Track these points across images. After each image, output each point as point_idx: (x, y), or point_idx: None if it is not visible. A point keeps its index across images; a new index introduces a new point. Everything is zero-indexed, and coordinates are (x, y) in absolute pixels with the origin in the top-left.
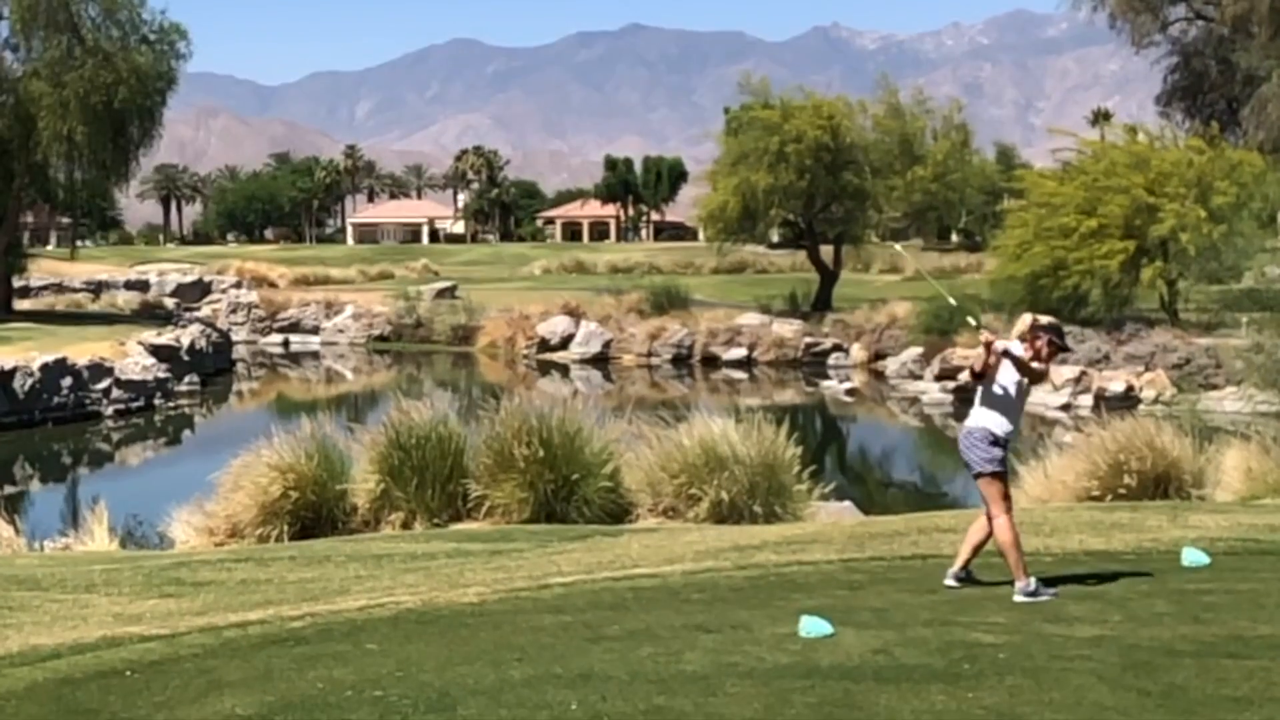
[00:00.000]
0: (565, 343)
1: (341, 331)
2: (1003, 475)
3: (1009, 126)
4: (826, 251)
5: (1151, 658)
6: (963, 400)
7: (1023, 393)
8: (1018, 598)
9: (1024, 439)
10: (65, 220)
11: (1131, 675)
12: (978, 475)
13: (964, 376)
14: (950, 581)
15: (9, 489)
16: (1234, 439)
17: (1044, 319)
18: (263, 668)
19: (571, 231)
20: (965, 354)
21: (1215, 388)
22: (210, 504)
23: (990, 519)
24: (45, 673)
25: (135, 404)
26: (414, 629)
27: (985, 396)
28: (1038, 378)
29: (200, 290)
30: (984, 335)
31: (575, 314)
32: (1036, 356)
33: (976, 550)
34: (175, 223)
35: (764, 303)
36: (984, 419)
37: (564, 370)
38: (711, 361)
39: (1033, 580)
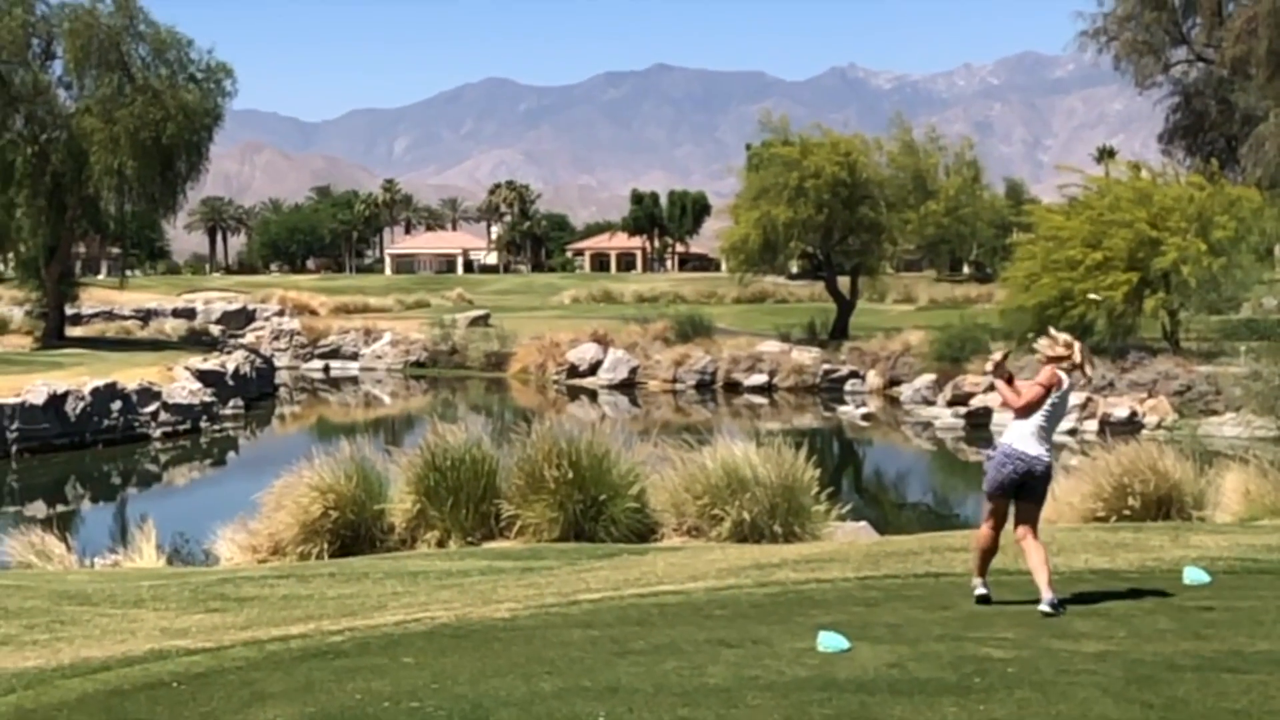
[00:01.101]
0: (594, 369)
1: (380, 358)
2: (991, 488)
3: (1018, 163)
4: (844, 282)
5: (1154, 672)
6: (975, 425)
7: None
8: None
9: None
10: (115, 250)
11: (1135, 689)
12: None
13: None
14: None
15: (61, 508)
16: (1233, 463)
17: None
18: (304, 680)
19: (600, 262)
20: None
21: (1215, 413)
22: (253, 522)
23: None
24: (95, 684)
25: (182, 426)
26: (449, 643)
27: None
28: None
29: (245, 318)
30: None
31: (603, 341)
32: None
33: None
34: (221, 253)
35: (784, 331)
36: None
37: (592, 395)
38: (734, 387)
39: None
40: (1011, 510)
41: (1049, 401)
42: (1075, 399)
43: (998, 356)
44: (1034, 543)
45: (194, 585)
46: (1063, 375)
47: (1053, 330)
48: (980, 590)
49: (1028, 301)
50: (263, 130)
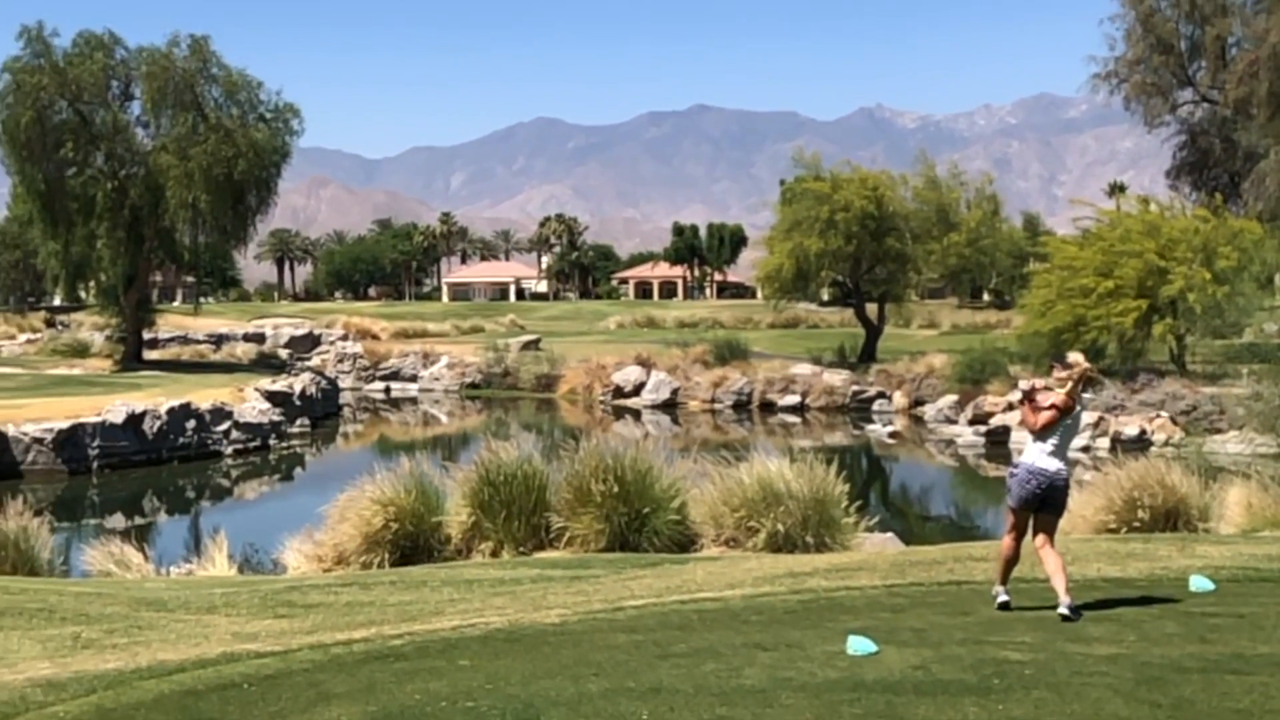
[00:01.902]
0: (637, 390)
1: (437, 379)
2: (1014, 503)
3: (1034, 198)
4: (871, 309)
5: (1162, 674)
6: (994, 442)
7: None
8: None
9: None
10: (190, 279)
11: (1144, 690)
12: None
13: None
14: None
15: (139, 520)
16: (1236, 478)
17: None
18: (366, 681)
19: (643, 290)
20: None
21: (1219, 432)
22: (319, 534)
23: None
24: (170, 685)
25: (252, 444)
26: (502, 646)
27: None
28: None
29: (311, 342)
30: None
31: (646, 364)
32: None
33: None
34: (288, 281)
35: (815, 354)
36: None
37: (636, 415)
38: (768, 407)
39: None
40: (1031, 521)
41: (1063, 422)
42: (1088, 418)
43: (1026, 386)
44: (1051, 552)
45: (263, 592)
46: (1072, 398)
47: (1069, 354)
48: (1002, 598)
49: (1044, 327)
50: (328, 166)
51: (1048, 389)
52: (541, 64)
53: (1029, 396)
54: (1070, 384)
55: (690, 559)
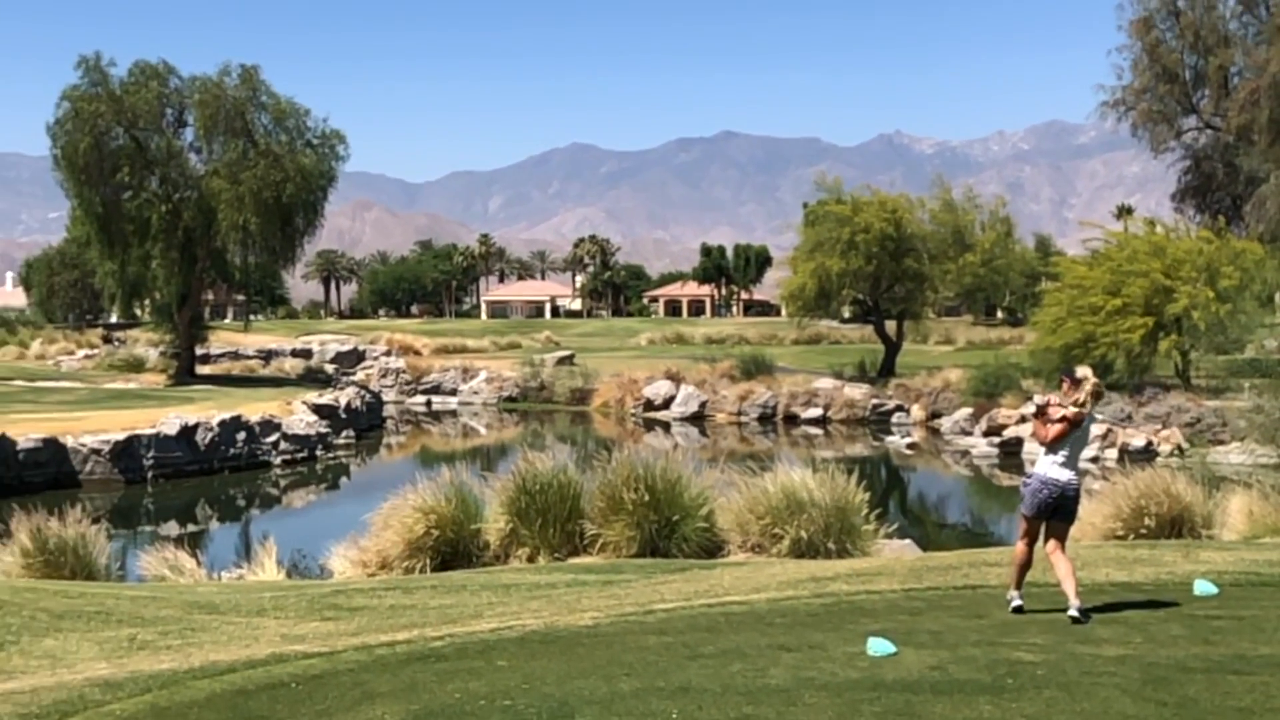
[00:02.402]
0: (667, 403)
1: (476, 393)
2: (1028, 511)
3: (1046, 220)
4: (890, 326)
5: (1168, 674)
6: (1007, 453)
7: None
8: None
9: None
10: (240, 297)
11: (1151, 689)
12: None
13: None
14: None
15: (192, 527)
16: (1238, 487)
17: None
18: (409, 681)
19: (672, 308)
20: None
21: (1222, 443)
22: (363, 540)
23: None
24: (222, 684)
25: (300, 455)
26: (538, 648)
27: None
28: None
29: (356, 357)
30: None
31: (676, 378)
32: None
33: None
34: (334, 300)
35: (837, 369)
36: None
37: (666, 427)
38: (792, 420)
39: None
40: (1043, 528)
41: (1072, 434)
42: (1097, 430)
43: (1040, 400)
44: (1062, 557)
45: (310, 596)
46: (1083, 411)
47: (1078, 369)
48: (1016, 602)
49: (1055, 343)
50: (372, 190)
51: (1060, 405)
52: (576, 92)
53: (1042, 411)
54: (1082, 400)
55: (717, 564)
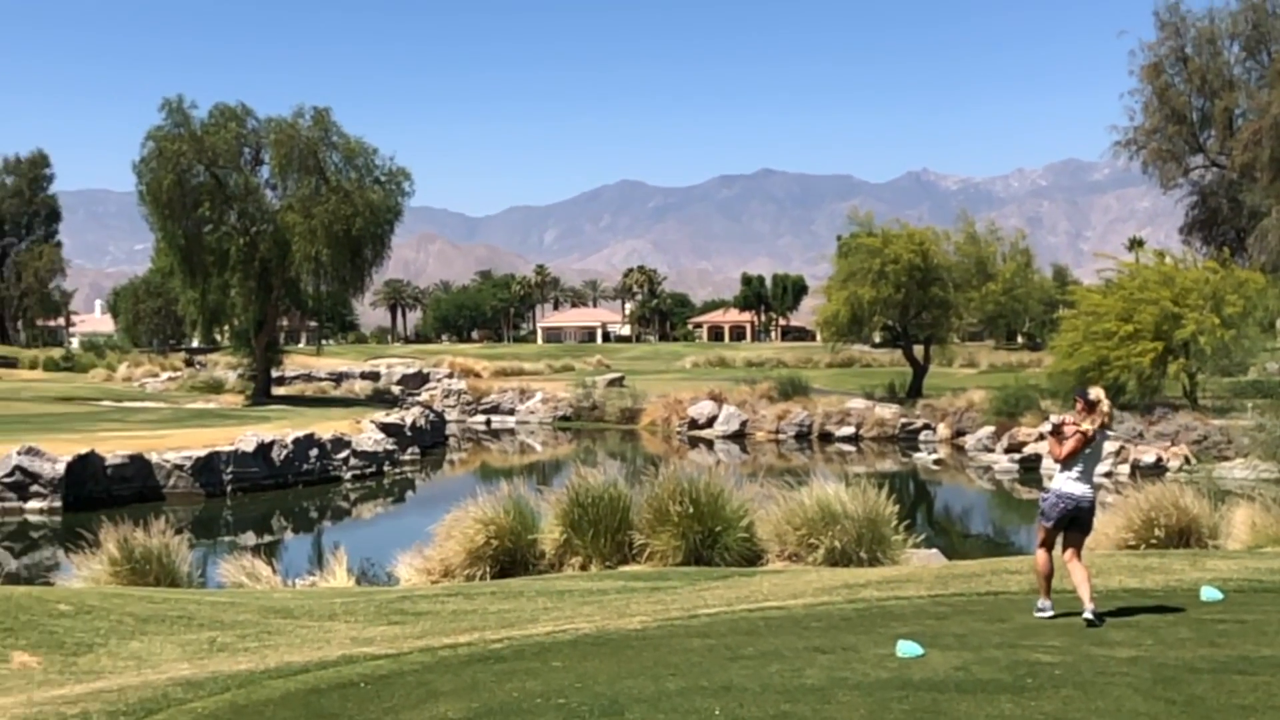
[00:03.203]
0: (710, 422)
1: (532, 413)
2: (1046, 523)
3: (1063, 251)
4: (918, 350)
5: (1176, 674)
6: (1027, 469)
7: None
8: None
9: None
10: (313, 323)
11: (1161, 688)
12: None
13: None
14: (1088, 615)
15: (268, 537)
16: (1242, 500)
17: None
18: (470, 680)
19: (715, 333)
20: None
21: (1227, 459)
22: (428, 549)
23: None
24: (296, 684)
25: (368, 470)
26: (590, 650)
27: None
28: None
29: (420, 379)
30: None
31: (718, 399)
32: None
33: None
34: (400, 326)
35: (868, 391)
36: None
37: (709, 444)
38: (827, 437)
39: (1040, 601)
40: (1061, 538)
41: (1085, 451)
42: (1110, 447)
43: (1055, 420)
44: (1079, 565)
45: (378, 602)
46: (1093, 430)
47: (1091, 390)
48: (1049, 612)
49: (1071, 366)
50: (435, 223)
51: (1074, 424)
52: (624, 132)
53: (1056, 430)
54: (1098, 424)
55: (757, 572)
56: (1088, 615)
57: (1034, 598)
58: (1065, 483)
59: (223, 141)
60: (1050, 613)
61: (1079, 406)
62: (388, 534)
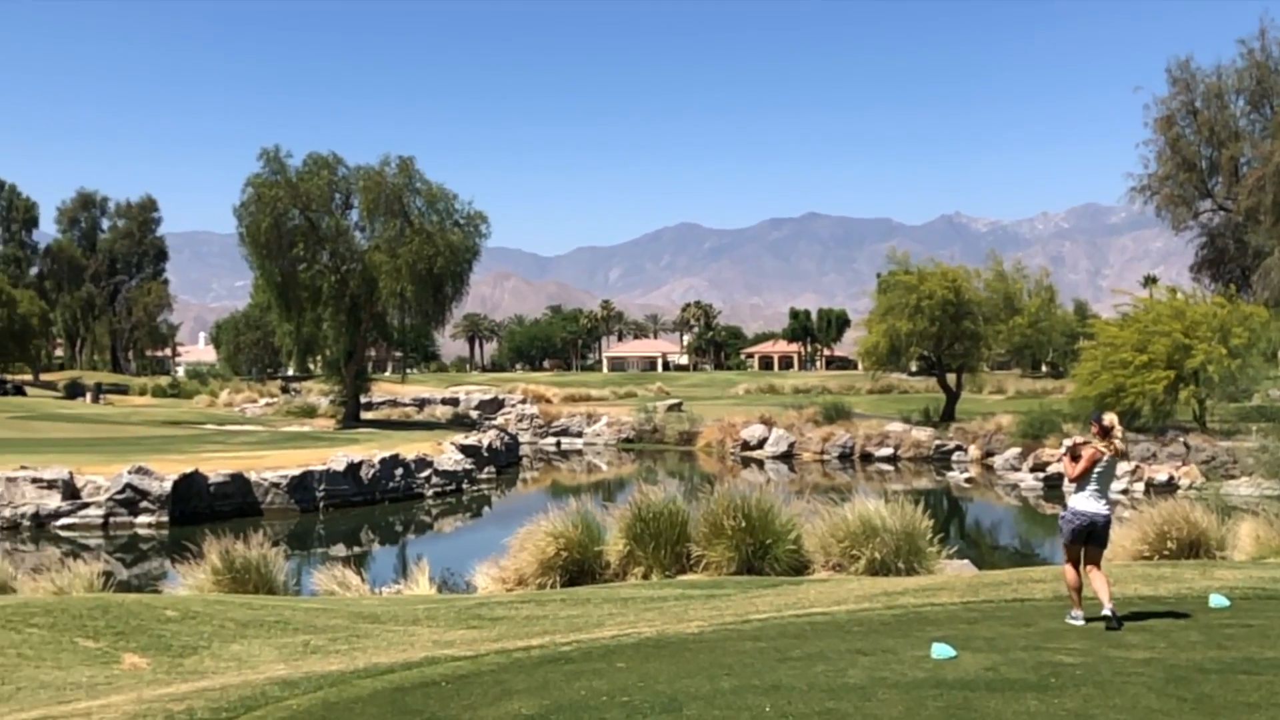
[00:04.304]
0: (761, 444)
1: (598, 435)
2: (1066, 539)
3: (1083, 288)
4: (951, 377)
5: (1187, 674)
6: (1050, 487)
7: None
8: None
9: None
10: (398, 353)
11: (1173, 687)
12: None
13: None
14: (1106, 611)
15: (357, 549)
16: (1247, 515)
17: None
18: (541, 680)
19: (765, 363)
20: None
21: (1233, 477)
22: (503, 560)
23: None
24: (383, 683)
25: (448, 488)
26: (651, 652)
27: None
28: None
29: (496, 405)
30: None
31: (768, 423)
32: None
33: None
34: (478, 355)
35: (906, 415)
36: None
37: (760, 464)
38: (867, 458)
39: (1073, 611)
40: (1082, 552)
41: (1096, 471)
42: (1126, 466)
43: (1070, 442)
44: (1099, 574)
45: (458, 608)
46: (1103, 450)
47: (1105, 415)
48: (1080, 621)
49: (1090, 392)
50: (510, 262)
51: (1087, 443)
52: (683, 179)
53: (1072, 451)
54: (1108, 445)
55: (804, 581)
56: (1106, 611)
57: (1057, 604)
58: (1081, 501)
59: (316, 188)
60: (1082, 621)
61: (1094, 429)
62: (466, 546)
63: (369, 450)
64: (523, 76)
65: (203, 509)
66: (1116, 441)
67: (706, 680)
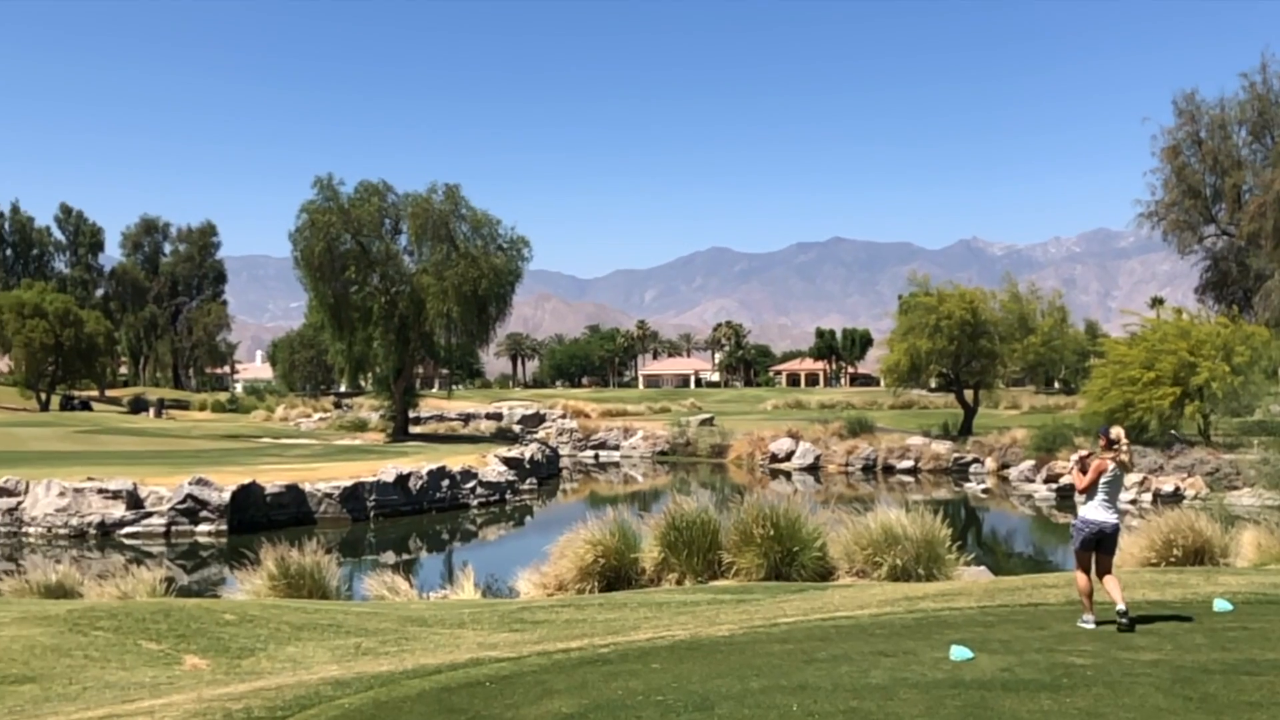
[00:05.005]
0: (788, 456)
1: (634, 448)
2: (1077, 546)
3: (1093, 308)
4: (968, 394)
5: (1192, 674)
6: (1063, 497)
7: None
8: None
9: None
10: (444, 371)
11: (1179, 687)
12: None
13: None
14: (1121, 607)
15: (405, 556)
16: (1249, 524)
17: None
18: (580, 680)
19: (793, 379)
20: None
21: (1236, 488)
22: (544, 567)
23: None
24: (430, 683)
25: (492, 498)
26: (684, 653)
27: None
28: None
29: (537, 419)
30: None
31: (795, 436)
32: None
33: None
34: (520, 373)
35: (925, 429)
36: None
37: (787, 476)
38: (889, 470)
39: (1084, 615)
40: (1093, 559)
41: (1103, 481)
42: (1134, 477)
43: (1079, 455)
44: (1111, 578)
45: (501, 612)
46: (1110, 463)
47: (1113, 428)
48: (1091, 625)
49: (1100, 408)
50: (550, 284)
51: (1093, 455)
52: (714, 206)
53: (1081, 464)
54: (1116, 456)
55: (829, 586)
56: (1120, 607)
57: (1069, 609)
58: (1091, 510)
59: (367, 214)
60: (1093, 625)
61: (1102, 442)
62: (509, 553)
63: (417, 462)
64: (563, 110)
65: (259, 518)
66: (1122, 453)
67: (737, 680)
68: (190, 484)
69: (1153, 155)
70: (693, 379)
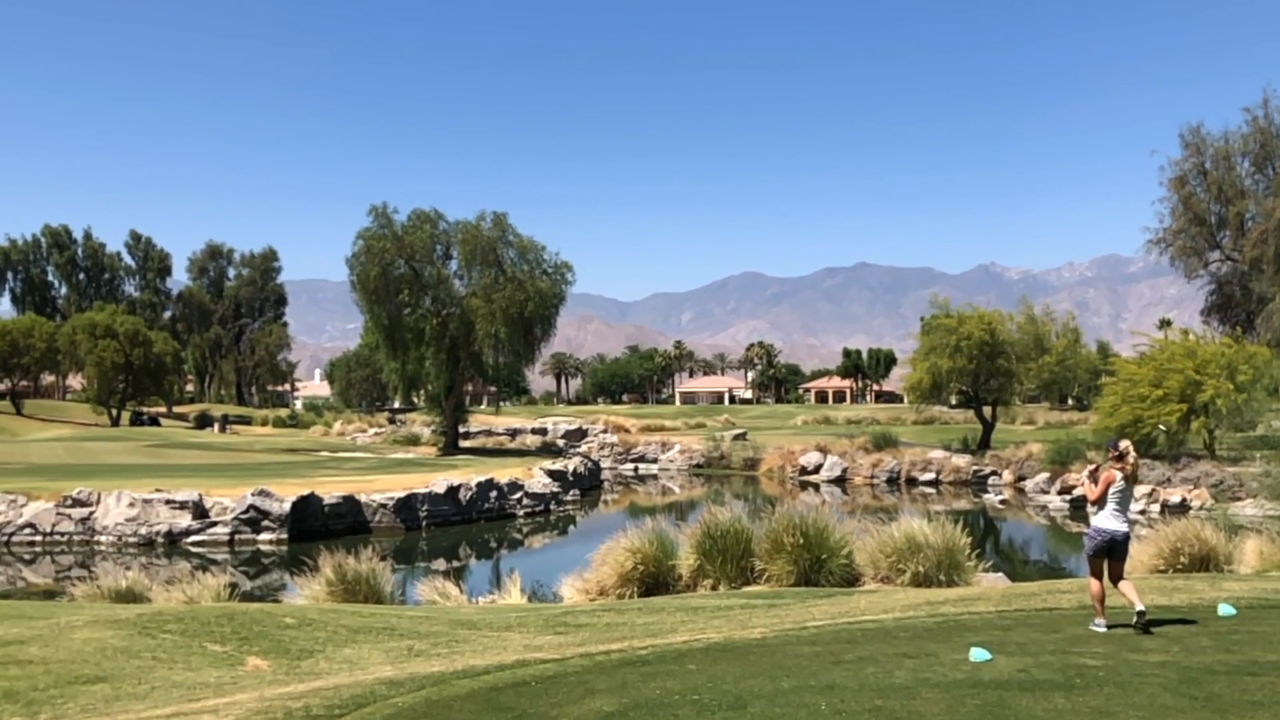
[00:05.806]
0: (817, 469)
1: (671, 462)
2: (1089, 554)
3: (1105, 330)
4: (987, 410)
5: (1199, 675)
6: (1076, 507)
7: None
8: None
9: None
10: (492, 388)
11: (1186, 687)
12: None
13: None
14: (1139, 607)
15: (456, 563)
16: (1252, 533)
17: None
18: (621, 680)
19: (821, 396)
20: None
21: (1240, 499)
22: (586, 573)
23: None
24: (479, 683)
25: (538, 509)
26: (719, 655)
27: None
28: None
29: (580, 434)
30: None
31: (824, 450)
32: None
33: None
34: (564, 390)
35: (946, 443)
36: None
37: (816, 487)
38: (912, 482)
39: (1096, 619)
40: (1106, 566)
41: (1113, 492)
42: (1143, 489)
43: (1090, 468)
44: (1126, 583)
45: (546, 616)
46: (1117, 474)
47: (1121, 441)
48: (1103, 629)
49: (1112, 424)
50: (592, 307)
51: (1101, 467)
52: (747, 232)
53: (1092, 476)
54: (1124, 468)
55: (855, 592)
56: (1139, 608)
57: (1082, 613)
58: (1103, 519)
59: (419, 240)
60: (1104, 628)
61: (1110, 454)
62: (553, 560)
63: (467, 475)
64: (605, 143)
65: (318, 527)
66: (1129, 465)
67: (768, 681)
68: (253, 495)
69: (1161, 185)
70: (727, 396)
